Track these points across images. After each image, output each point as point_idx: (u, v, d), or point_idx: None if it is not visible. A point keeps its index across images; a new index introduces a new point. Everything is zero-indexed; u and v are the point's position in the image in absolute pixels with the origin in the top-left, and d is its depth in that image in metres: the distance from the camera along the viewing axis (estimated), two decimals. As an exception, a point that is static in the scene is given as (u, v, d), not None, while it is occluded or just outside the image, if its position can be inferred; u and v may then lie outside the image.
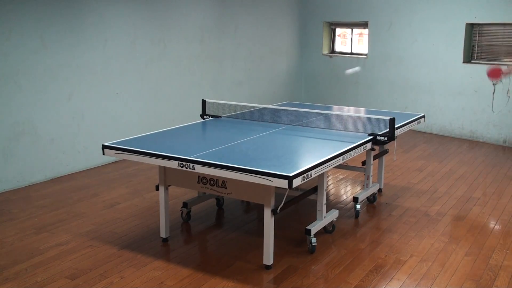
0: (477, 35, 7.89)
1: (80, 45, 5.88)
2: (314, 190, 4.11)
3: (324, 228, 4.20)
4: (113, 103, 6.37)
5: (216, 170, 3.42)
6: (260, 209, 4.75)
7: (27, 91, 5.42)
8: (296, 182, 3.21)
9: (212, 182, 3.77)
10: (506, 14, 7.41)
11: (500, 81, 3.98)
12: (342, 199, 5.27)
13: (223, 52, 8.00)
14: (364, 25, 9.12)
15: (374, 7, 8.79)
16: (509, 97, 7.52)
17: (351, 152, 3.95)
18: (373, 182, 5.06)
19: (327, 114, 5.38)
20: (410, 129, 5.37)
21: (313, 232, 3.93)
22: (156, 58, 6.84)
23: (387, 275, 3.62)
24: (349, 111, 5.98)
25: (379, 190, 5.37)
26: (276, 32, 9.10)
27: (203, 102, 5.21)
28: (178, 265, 3.72)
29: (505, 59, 7.67)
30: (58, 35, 5.67)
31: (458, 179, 5.87)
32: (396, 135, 4.49)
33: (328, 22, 9.54)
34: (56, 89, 5.70)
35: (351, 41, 9.48)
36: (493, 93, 7.64)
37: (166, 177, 4.02)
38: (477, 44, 7.92)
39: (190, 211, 4.57)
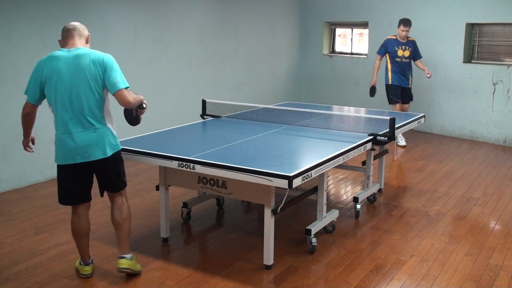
0: (477, 35, 7.89)
1: (80, 45, 5.87)
2: (314, 190, 4.10)
3: (324, 228, 4.20)
4: (113, 103, 6.33)
5: (216, 170, 3.41)
6: (260, 209, 4.74)
7: (27, 91, 5.41)
8: (296, 182, 3.21)
9: (212, 182, 3.76)
10: (506, 14, 7.40)
11: None
12: (342, 199, 5.27)
13: (223, 52, 8.00)
14: (364, 25, 9.12)
15: (374, 7, 8.79)
16: (509, 97, 7.52)
17: (351, 152, 3.95)
18: (373, 182, 5.05)
19: (327, 114, 5.38)
20: (410, 129, 5.36)
21: (313, 232, 3.92)
22: (156, 58, 6.84)
23: (387, 275, 3.62)
24: (349, 111, 5.97)
25: (379, 190, 5.37)
26: (276, 32, 9.09)
27: (203, 102, 5.21)
28: (178, 265, 3.72)
29: (505, 59, 7.67)
30: (58, 34, 5.64)
31: (458, 179, 5.86)
32: (396, 135, 4.49)
33: (328, 22, 9.54)
34: (56, 89, 5.69)
35: (351, 41, 9.49)
36: (493, 93, 7.64)
37: (166, 177, 4.02)
38: (477, 44, 7.92)
39: (190, 211, 4.57)
